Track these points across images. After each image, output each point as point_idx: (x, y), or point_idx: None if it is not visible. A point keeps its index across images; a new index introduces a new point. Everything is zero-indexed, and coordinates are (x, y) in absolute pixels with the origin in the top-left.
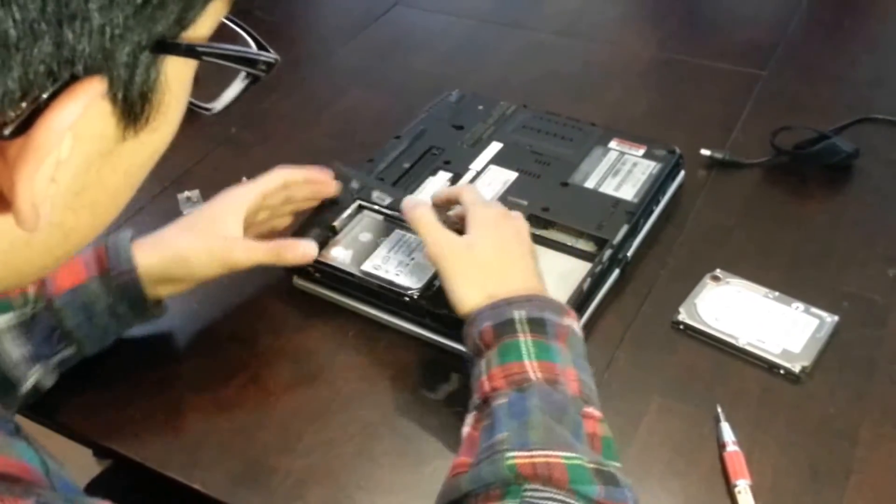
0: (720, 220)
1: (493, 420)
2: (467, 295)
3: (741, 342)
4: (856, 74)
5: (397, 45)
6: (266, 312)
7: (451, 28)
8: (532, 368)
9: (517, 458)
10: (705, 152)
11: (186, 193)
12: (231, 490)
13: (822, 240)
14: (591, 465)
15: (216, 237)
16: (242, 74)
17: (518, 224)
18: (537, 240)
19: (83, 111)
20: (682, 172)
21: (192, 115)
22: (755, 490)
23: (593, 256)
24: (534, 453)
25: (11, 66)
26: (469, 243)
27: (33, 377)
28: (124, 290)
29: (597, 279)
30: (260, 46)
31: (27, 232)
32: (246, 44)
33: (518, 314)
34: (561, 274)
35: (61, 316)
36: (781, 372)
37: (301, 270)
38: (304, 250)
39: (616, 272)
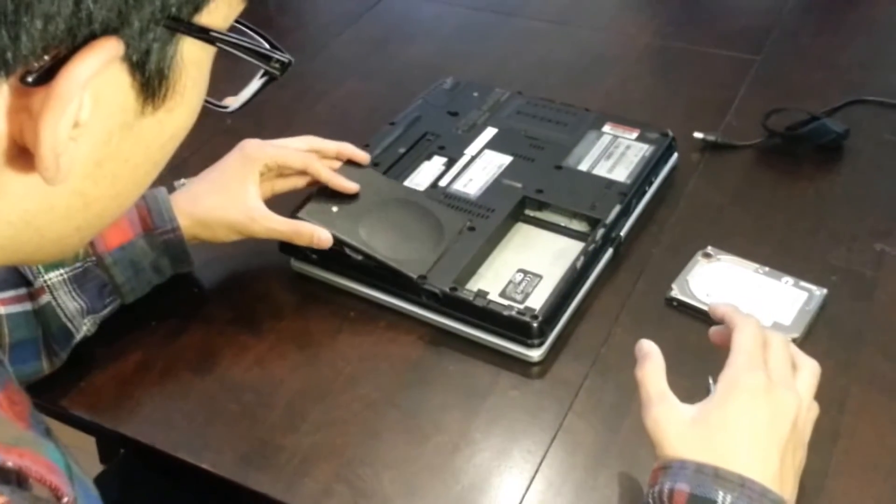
0: (713, 199)
1: None
2: (675, 445)
3: None
4: (848, 58)
5: (391, 35)
6: (266, 296)
7: (445, 16)
8: None
9: None
10: (698, 135)
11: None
12: (240, 469)
13: (812, 217)
14: None
15: (238, 210)
16: (258, 74)
17: (785, 404)
18: (532, 221)
19: (102, 70)
20: (676, 155)
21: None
22: None
23: (586, 236)
24: None
25: (34, 18)
26: (700, 416)
27: (85, 328)
28: (168, 246)
29: (590, 258)
30: (273, 48)
31: (48, 183)
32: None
33: (722, 497)
34: (555, 253)
35: (112, 273)
36: None
37: (299, 253)
38: (318, 237)
39: (610, 251)
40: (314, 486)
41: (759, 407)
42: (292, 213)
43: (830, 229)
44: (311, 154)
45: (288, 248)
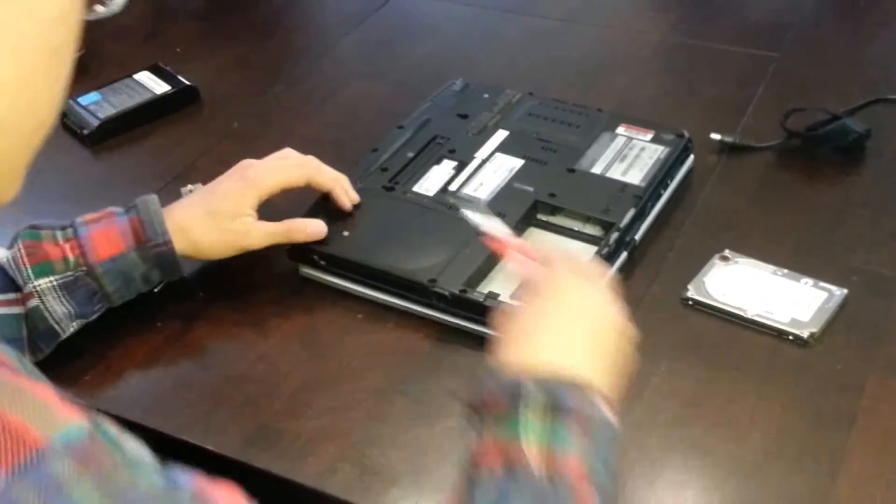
0: (730, 202)
1: (473, 498)
2: (505, 353)
3: (749, 314)
4: (870, 56)
5: (399, 35)
6: (273, 299)
7: (453, 15)
8: (529, 451)
9: None
10: (715, 136)
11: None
12: (243, 450)
13: (832, 219)
14: None
15: (231, 231)
16: None
17: (593, 296)
18: (545, 226)
19: None
20: (692, 156)
21: (193, 110)
22: (759, 442)
23: (600, 240)
24: None
25: None
26: (523, 308)
27: (71, 329)
28: (159, 259)
29: (603, 262)
30: None
31: None
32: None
33: (528, 386)
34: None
35: (102, 282)
36: (790, 338)
37: (306, 259)
38: (311, 230)
39: (624, 255)
40: (319, 464)
41: (569, 300)
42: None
43: (851, 231)
44: (311, 163)
45: (296, 255)
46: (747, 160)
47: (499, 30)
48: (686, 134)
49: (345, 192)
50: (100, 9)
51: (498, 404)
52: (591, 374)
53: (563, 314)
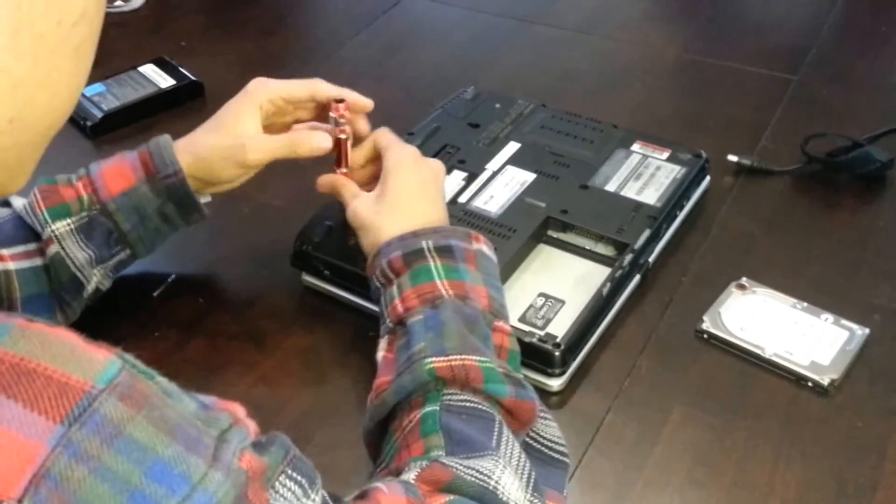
0: (747, 227)
1: (410, 336)
2: (372, 227)
3: (767, 353)
4: (892, 81)
5: (408, 39)
6: (274, 311)
7: (464, 21)
8: (444, 287)
9: (435, 362)
10: (732, 158)
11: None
12: None
13: (852, 250)
14: (501, 370)
15: (231, 138)
16: None
17: (434, 166)
18: (555, 243)
19: None
20: (708, 178)
21: (197, 106)
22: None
23: (613, 261)
24: (450, 357)
25: None
26: (380, 197)
27: (94, 279)
28: (171, 191)
29: (617, 284)
30: None
31: None
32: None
33: (426, 243)
34: (578, 278)
35: (116, 219)
36: (809, 384)
37: (310, 267)
38: (317, 142)
39: (637, 278)
40: None
41: (416, 174)
42: (296, 240)
43: (872, 265)
44: (316, 79)
45: (299, 262)
46: (765, 184)
47: (510, 38)
48: (704, 154)
49: (359, 96)
50: (119, 3)
51: (408, 264)
52: (445, 219)
53: (415, 185)
